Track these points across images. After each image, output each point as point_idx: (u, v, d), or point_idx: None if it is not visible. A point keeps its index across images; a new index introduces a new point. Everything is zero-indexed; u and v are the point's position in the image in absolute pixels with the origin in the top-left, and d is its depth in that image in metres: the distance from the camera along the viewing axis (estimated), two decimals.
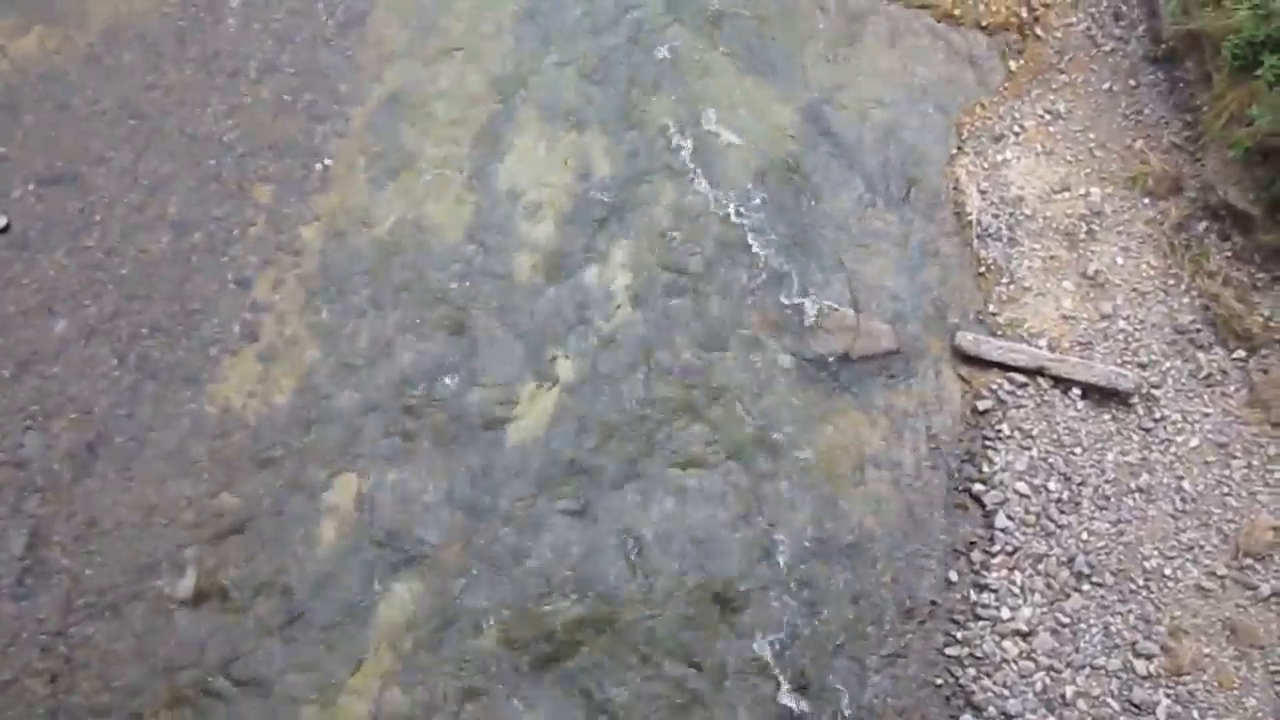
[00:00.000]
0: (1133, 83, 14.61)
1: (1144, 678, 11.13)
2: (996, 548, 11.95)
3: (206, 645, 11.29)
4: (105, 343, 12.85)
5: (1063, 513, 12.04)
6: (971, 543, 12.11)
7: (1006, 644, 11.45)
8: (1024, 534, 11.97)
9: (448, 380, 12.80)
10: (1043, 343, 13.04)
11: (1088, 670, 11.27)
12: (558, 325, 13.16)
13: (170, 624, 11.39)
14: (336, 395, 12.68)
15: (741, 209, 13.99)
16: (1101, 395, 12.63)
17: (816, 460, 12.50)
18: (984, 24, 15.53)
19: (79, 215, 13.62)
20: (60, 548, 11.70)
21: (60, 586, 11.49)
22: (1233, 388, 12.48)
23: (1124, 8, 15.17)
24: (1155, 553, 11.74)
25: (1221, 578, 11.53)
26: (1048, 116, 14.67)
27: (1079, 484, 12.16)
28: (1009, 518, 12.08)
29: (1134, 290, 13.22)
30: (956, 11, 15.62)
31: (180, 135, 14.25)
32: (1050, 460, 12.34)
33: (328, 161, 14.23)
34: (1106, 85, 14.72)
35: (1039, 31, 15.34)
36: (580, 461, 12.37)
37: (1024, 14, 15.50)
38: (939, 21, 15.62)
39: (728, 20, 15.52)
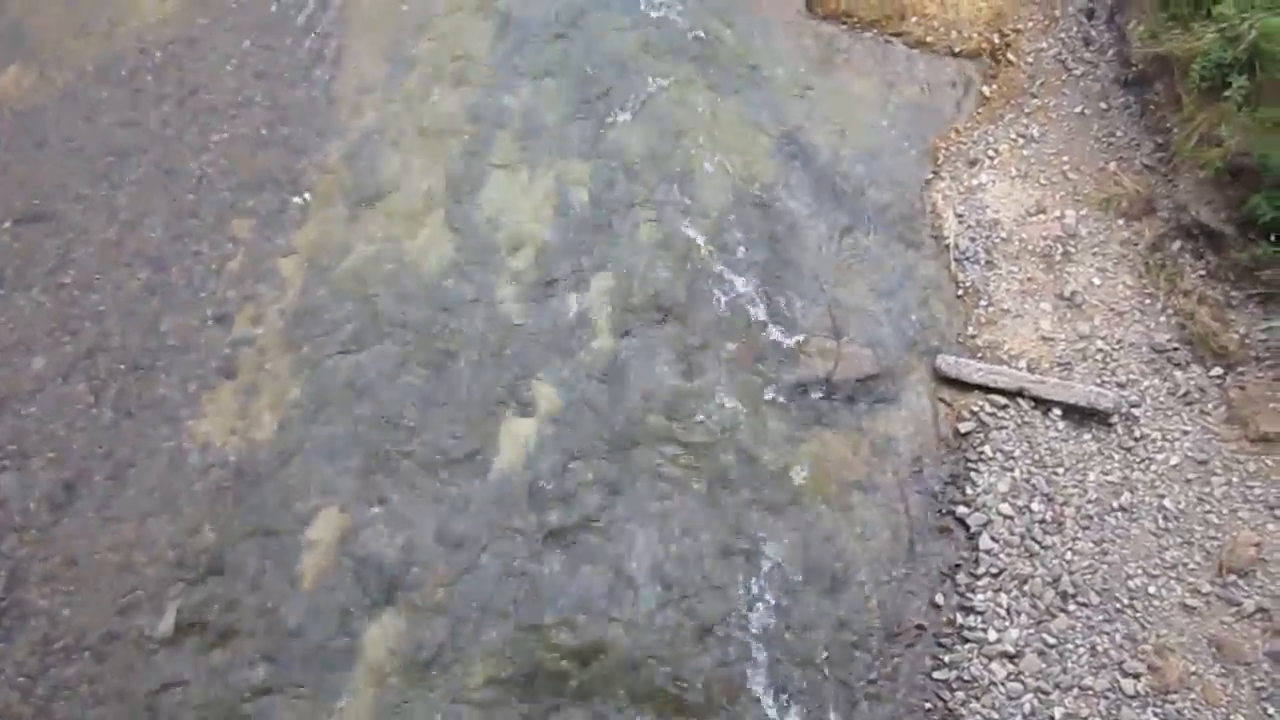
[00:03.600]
0: (1104, 106, 14.79)
1: (1131, 697, 11.11)
2: (981, 570, 11.95)
3: (188, 686, 11.13)
4: (83, 380, 12.76)
5: (1046, 533, 12.05)
6: (956, 565, 12.11)
7: (994, 666, 11.42)
8: (1008, 555, 11.98)
9: (429, 412, 12.75)
10: (1022, 364, 13.11)
11: (1075, 691, 11.24)
12: (539, 355, 13.15)
13: (150, 665, 11.23)
14: (317, 430, 12.61)
15: (720, 236, 14.05)
16: (1082, 415, 12.69)
17: (800, 486, 12.50)
18: (956, 50, 15.73)
19: (56, 252, 13.57)
20: (38, 588, 11.56)
21: (38, 628, 11.34)
22: (1211, 405, 12.56)
23: (1093, 32, 15.39)
24: (1139, 571, 11.76)
25: (1205, 595, 11.55)
26: (1021, 140, 14.83)
27: (1062, 504, 12.18)
28: (993, 539, 12.08)
29: (1111, 310, 13.32)
30: (929, 39, 15.83)
31: (157, 171, 14.25)
32: (1033, 481, 12.37)
33: (306, 195, 14.24)
34: (1078, 109, 14.90)
35: (1011, 57, 15.54)
36: (563, 491, 12.32)
37: (996, 40, 15.71)
38: (912, 48, 15.84)
39: (705, 49, 15.67)
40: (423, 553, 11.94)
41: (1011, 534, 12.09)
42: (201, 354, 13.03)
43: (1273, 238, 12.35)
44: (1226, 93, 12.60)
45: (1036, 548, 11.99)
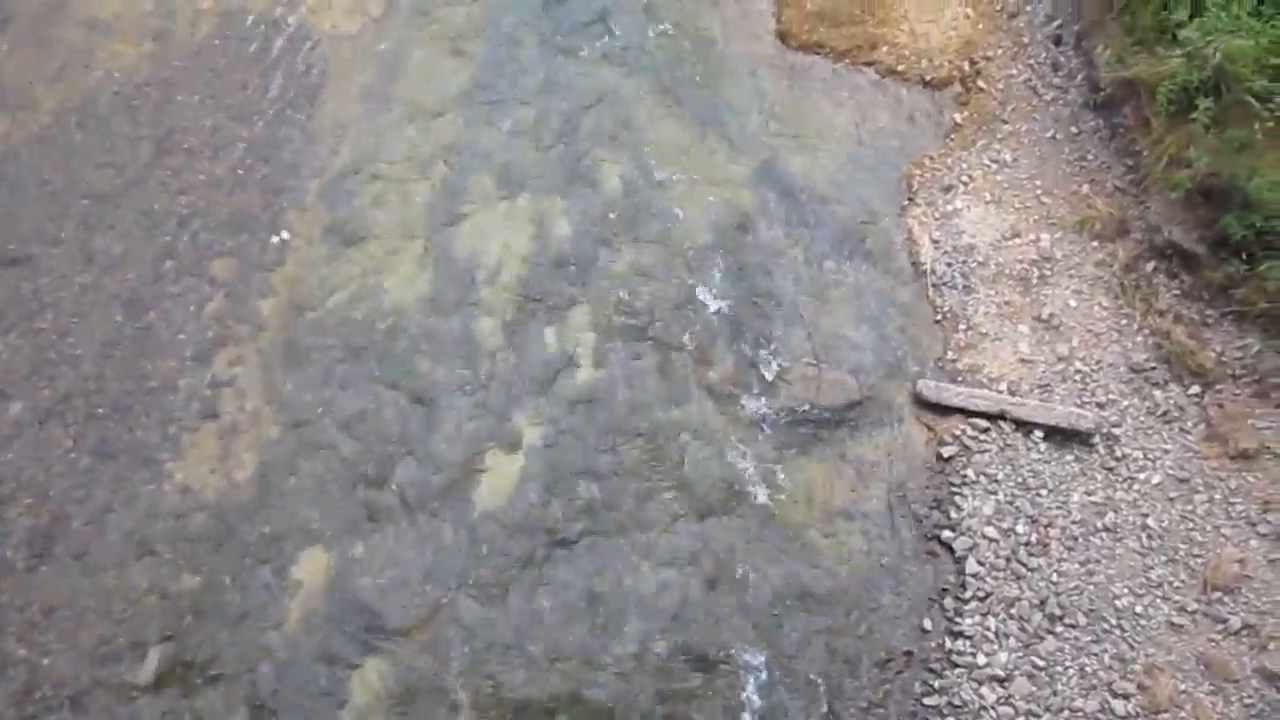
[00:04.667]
0: (1074, 130, 14.97)
1: (1123, 718, 11.10)
2: (968, 594, 11.95)
3: None
4: (60, 425, 12.64)
5: (1032, 555, 12.07)
6: (943, 590, 12.10)
7: (984, 690, 11.40)
8: (995, 578, 11.99)
9: (412, 449, 12.69)
10: (1002, 387, 13.18)
11: (1066, 713, 11.22)
12: (521, 389, 13.13)
13: (133, 713, 11.07)
14: (299, 470, 12.53)
15: (699, 266, 14.10)
16: (1063, 436, 12.75)
17: (785, 514, 12.49)
18: (928, 78, 15.90)
19: (31, 297, 13.47)
20: (16, 638, 11.39)
21: (17, 678, 11.16)
22: (1190, 423, 12.64)
23: (1062, 58, 15.60)
24: (1126, 591, 11.79)
25: (1192, 613, 11.58)
26: (994, 165, 14.98)
27: (1046, 526, 12.22)
28: (979, 563, 12.09)
29: (1088, 331, 13.42)
30: (900, 67, 16.00)
31: (134, 213, 14.19)
32: (1017, 503, 12.40)
33: (285, 234, 14.21)
34: (1049, 133, 15.07)
35: (981, 83, 15.72)
36: (549, 526, 12.27)
37: (966, 67, 15.90)
38: (883, 77, 15.99)
39: (678, 81, 15.78)
40: (408, 592, 11.84)
41: (997, 557, 12.10)
42: (181, 396, 12.94)
43: (1244, 256, 12.50)
44: (1194, 115, 12.79)
45: (1023, 570, 12.00)
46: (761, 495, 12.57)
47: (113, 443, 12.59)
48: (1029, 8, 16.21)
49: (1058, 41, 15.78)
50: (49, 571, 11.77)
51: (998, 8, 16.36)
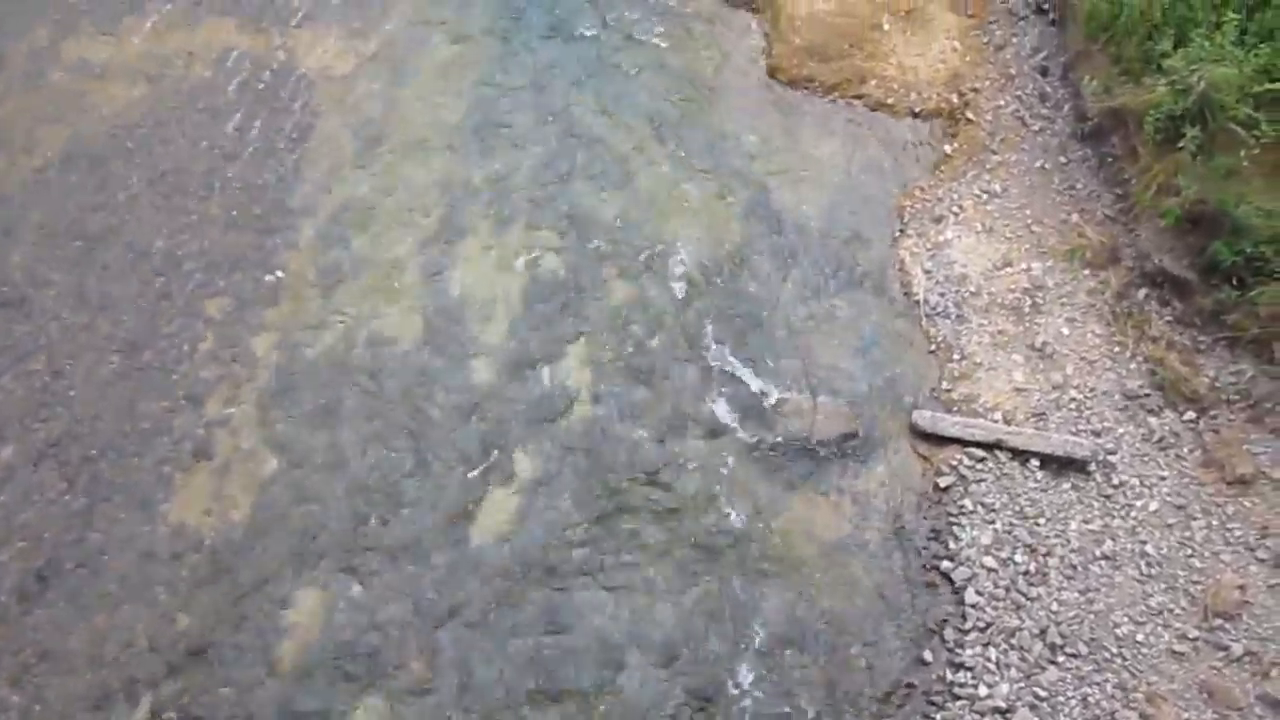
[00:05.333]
0: (1063, 159, 15.08)
1: None
2: (969, 624, 11.87)
3: None
4: (54, 467, 12.59)
5: (1031, 585, 12.02)
6: (943, 621, 12.03)
7: None
8: (995, 609, 11.92)
9: (408, 486, 12.64)
10: (998, 416, 13.17)
11: None
12: (516, 425, 13.10)
13: None
14: (294, 509, 12.47)
15: (693, 299, 14.13)
16: (1059, 465, 12.73)
17: (783, 547, 12.43)
18: (917, 111, 16.05)
19: (25, 338, 13.48)
20: (9, 682, 11.27)
21: None
22: (1186, 449, 12.64)
23: (1049, 89, 15.76)
24: (1126, 619, 11.72)
25: (1193, 640, 11.51)
26: (985, 196, 15.08)
27: (1045, 555, 12.17)
28: (979, 593, 12.03)
29: (1082, 359, 13.45)
30: (889, 100, 16.15)
31: (129, 254, 14.24)
32: (1015, 533, 12.36)
33: (279, 273, 14.24)
34: (1038, 163, 15.19)
35: (970, 115, 15.86)
36: (546, 561, 12.20)
37: (954, 99, 16.04)
38: (873, 110, 16.13)
39: (670, 116, 15.91)
40: (405, 629, 11.75)
41: (997, 587, 12.04)
42: (175, 436, 12.90)
43: (1235, 282, 12.57)
44: (1181, 143, 12.92)
45: (1022, 600, 11.94)
46: (758, 529, 12.51)
47: (107, 484, 12.54)
48: (1015, 40, 16.43)
49: (1044, 72, 15.96)
50: (42, 615, 11.68)
51: (984, 40, 16.56)
